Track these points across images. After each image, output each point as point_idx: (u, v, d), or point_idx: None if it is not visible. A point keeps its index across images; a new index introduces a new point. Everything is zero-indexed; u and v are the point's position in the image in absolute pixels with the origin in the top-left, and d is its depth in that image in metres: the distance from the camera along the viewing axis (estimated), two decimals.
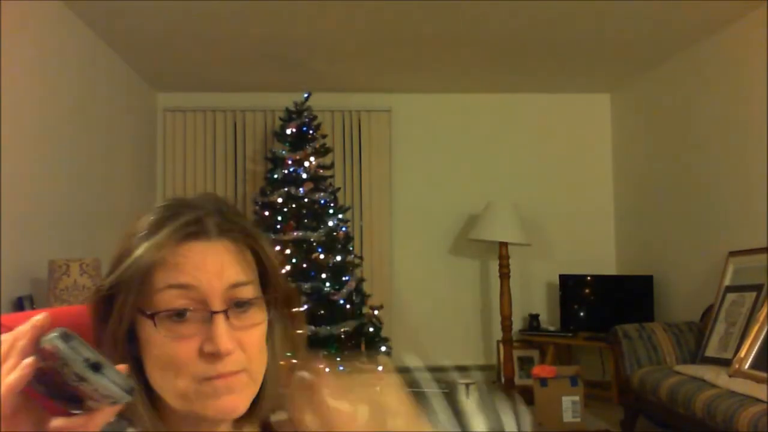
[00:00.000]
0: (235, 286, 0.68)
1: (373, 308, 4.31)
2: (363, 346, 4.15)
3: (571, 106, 5.41)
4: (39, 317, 0.54)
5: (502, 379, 4.83)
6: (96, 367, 0.51)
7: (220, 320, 0.66)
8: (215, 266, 0.67)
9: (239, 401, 0.67)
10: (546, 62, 4.57)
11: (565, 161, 5.38)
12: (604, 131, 5.46)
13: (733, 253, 3.65)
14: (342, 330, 3.99)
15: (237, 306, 0.68)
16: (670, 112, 4.59)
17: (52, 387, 0.52)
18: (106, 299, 0.67)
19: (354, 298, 4.20)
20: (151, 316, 0.65)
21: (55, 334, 0.52)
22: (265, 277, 0.73)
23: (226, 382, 0.66)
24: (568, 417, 3.36)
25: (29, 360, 0.52)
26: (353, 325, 4.08)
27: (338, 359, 4.01)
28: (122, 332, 0.67)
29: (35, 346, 0.53)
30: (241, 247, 0.71)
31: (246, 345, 0.68)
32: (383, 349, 4.22)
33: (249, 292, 0.70)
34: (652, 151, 4.83)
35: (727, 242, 3.84)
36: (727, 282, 3.58)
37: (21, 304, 2.89)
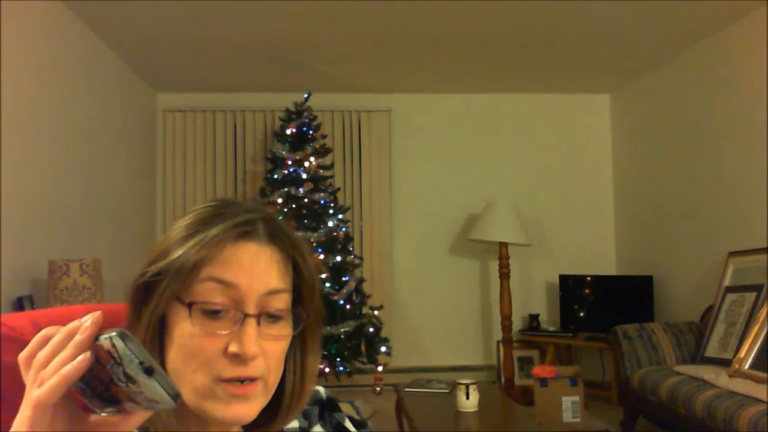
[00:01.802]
0: (273, 292, 0.69)
1: (373, 308, 4.31)
2: (363, 347, 4.15)
3: (571, 106, 5.41)
4: (97, 314, 0.54)
5: (502, 380, 4.83)
6: (149, 371, 0.51)
7: (251, 324, 0.67)
8: (260, 270, 0.69)
9: (250, 410, 0.67)
10: (546, 62, 4.57)
11: (565, 161, 5.38)
12: (604, 131, 5.46)
13: (733, 253, 3.65)
14: (342, 330, 4.00)
15: (269, 315, 0.69)
16: (670, 112, 4.59)
17: (89, 384, 0.53)
18: (146, 285, 0.69)
19: (354, 298, 4.20)
20: (189, 306, 0.66)
21: (114, 333, 0.52)
22: (300, 292, 0.74)
23: (243, 389, 0.66)
24: (568, 417, 3.36)
25: (86, 355, 0.52)
26: (353, 326, 4.08)
27: (338, 359, 4.02)
28: (156, 318, 0.68)
29: (91, 343, 0.53)
30: (285, 257, 0.72)
31: (268, 354, 0.68)
32: (383, 349, 4.22)
33: (283, 301, 0.71)
34: (652, 152, 4.83)
35: (727, 242, 3.84)
36: (727, 282, 3.58)
37: (21, 304, 2.89)
